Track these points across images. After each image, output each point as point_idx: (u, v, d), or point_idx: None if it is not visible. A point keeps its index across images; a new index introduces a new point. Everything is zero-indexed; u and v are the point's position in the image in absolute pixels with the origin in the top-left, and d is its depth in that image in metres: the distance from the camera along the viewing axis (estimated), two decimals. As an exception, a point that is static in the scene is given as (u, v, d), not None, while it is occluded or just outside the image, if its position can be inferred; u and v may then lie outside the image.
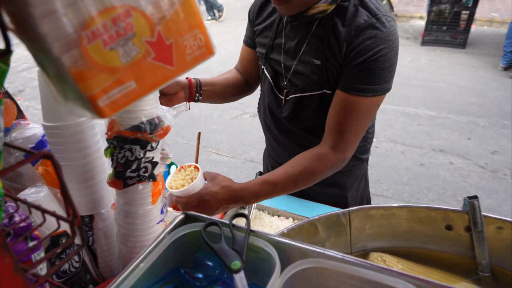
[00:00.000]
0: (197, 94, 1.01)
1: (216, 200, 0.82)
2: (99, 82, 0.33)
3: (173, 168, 1.25)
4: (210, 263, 0.56)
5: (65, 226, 0.67)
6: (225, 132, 3.48)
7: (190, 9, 0.37)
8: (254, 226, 1.11)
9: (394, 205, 0.73)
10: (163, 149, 0.75)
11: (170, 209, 1.05)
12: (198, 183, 0.82)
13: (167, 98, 0.94)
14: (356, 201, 1.23)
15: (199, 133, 1.07)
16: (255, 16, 1.05)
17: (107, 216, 0.80)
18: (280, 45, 0.98)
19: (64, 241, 0.71)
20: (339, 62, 0.87)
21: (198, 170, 0.85)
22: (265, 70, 1.04)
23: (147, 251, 0.52)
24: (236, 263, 0.47)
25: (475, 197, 0.67)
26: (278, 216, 1.13)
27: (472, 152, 2.97)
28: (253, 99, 4.74)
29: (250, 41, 1.10)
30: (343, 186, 1.16)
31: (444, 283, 0.42)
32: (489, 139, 3.13)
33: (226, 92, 1.12)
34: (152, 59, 0.36)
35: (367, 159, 1.20)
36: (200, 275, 0.55)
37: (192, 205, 0.81)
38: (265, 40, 1.03)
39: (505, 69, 4.58)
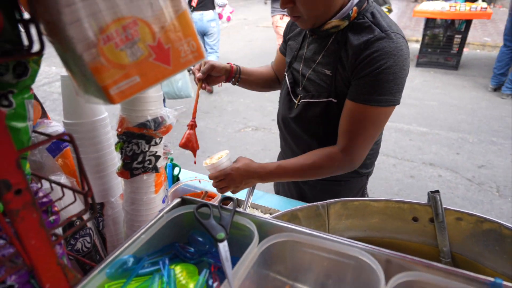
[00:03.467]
0: (233, 79, 1.19)
1: (238, 174, 0.96)
2: (111, 75, 0.40)
3: (176, 169, 1.33)
4: (201, 239, 0.61)
5: (78, 209, 0.73)
6: (228, 144, 3.55)
7: (184, 22, 0.45)
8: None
9: (367, 198, 0.78)
10: (165, 146, 0.82)
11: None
12: (223, 160, 0.97)
13: (212, 79, 1.12)
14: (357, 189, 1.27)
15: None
16: (288, 29, 1.16)
17: (116, 204, 0.86)
18: (301, 56, 1.05)
19: (78, 223, 0.78)
20: (348, 74, 0.90)
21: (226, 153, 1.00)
22: (286, 77, 1.12)
23: (147, 226, 0.58)
24: (221, 234, 0.53)
25: (437, 191, 0.72)
26: (270, 214, 1.18)
27: (460, 166, 3.00)
28: (255, 114, 4.79)
29: (283, 49, 1.20)
30: (336, 195, 1.16)
31: (390, 251, 0.47)
32: (477, 154, 3.16)
33: (258, 83, 1.27)
34: (153, 59, 0.43)
35: (367, 174, 1.20)
36: (192, 249, 0.61)
37: (220, 178, 0.96)
38: (291, 51, 1.11)
39: (495, 89, 4.63)
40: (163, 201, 0.84)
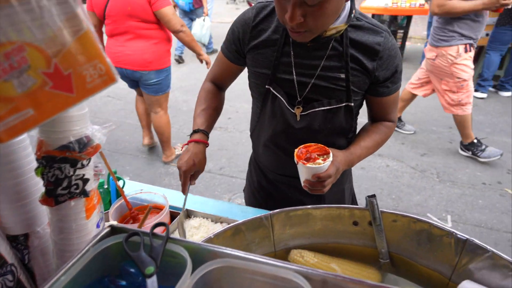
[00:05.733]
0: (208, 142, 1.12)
1: (342, 165, 0.95)
2: (-6, 110, 0.34)
3: (120, 183, 1.25)
4: (134, 271, 0.57)
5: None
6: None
7: (87, 43, 0.40)
8: (199, 233, 1.13)
9: (309, 206, 0.78)
10: (96, 166, 0.75)
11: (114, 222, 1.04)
12: (330, 161, 0.90)
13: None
14: (349, 193, 1.29)
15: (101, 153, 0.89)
16: (247, 36, 1.01)
17: (43, 233, 0.78)
18: (288, 64, 0.97)
19: (-5, 260, 0.69)
20: (371, 75, 0.95)
21: (324, 147, 0.93)
22: (272, 90, 1.02)
23: (69, 265, 0.53)
24: (150, 269, 0.50)
25: (374, 196, 0.74)
26: (221, 222, 1.16)
27: (405, 155, 3.19)
28: (210, 113, 4.56)
29: (234, 58, 1.08)
30: (340, 180, 1.18)
31: (324, 271, 0.47)
32: (420, 143, 3.39)
33: (217, 118, 1.22)
34: (50, 88, 0.38)
35: None
36: (124, 283, 0.56)
37: (334, 175, 0.91)
38: (266, 61, 0.99)
39: None
40: (98, 226, 0.77)
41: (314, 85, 0.97)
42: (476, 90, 4.59)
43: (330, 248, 0.80)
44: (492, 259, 0.62)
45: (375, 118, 1.10)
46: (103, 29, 2.63)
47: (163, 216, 1.09)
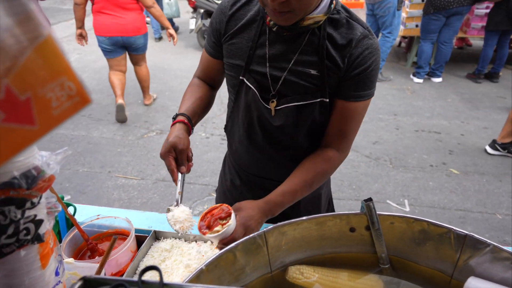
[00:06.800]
0: (192, 130, 1.02)
1: (255, 221, 0.89)
2: None
3: (71, 210, 1.09)
4: (121, 330, 0.47)
5: None
6: (131, 153, 3.22)
7: (50, 54, 0.30)
8: (172, 257, 1.03)
9: (304, 218, 0.74)
10: (49, 202, 0.62)
11: (70, 259, 0.89)
12: (232, 222, 0.85)
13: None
14: (326, 197, 1.26)
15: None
16: (223, 26, 0.98)
17: (-17, 292, 0.63)
18: (263, 56, 0.93)
19: None
20: (341, 73, 0.90)
21: (227, 208, 0.87)
22: (246, 81, 0.96)
23: None
24: (150, 331, 0.41)
25: (370, 199, 0.72)
26: (196, 241, 1.06)
27: (359, 145, 3.35)
28: (158, 116, 4.52)
29: (214, 52, 1.04)
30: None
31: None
32: (370, 132, 3.58)
33: (205, 110, 1.11)
34: (3, 121, 0.28)
35: None
36: None
37: (239, 237, 0.84)
38: (240, 51, 0.96)
39: None
40: (57, 273, 0.64)
41: (285, 79, 0.94)
42: (414, 75, 5.02)
43: (328, 259, 0.76)
44: (493, 252, 0.64)
45: (328, 136, 0.99)
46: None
47: (130, 244, 0.97)
